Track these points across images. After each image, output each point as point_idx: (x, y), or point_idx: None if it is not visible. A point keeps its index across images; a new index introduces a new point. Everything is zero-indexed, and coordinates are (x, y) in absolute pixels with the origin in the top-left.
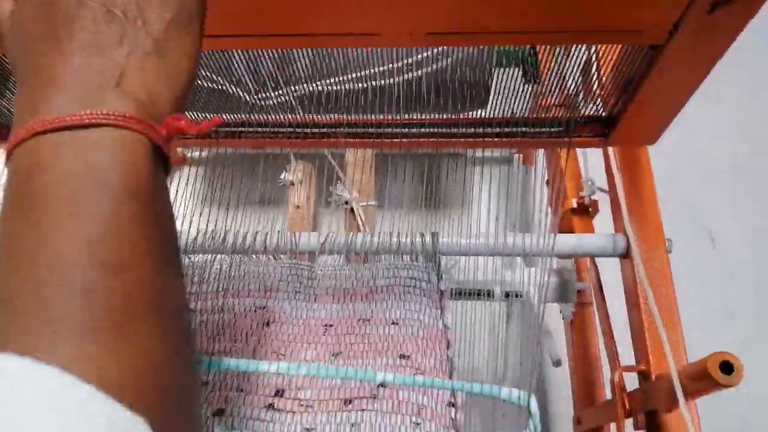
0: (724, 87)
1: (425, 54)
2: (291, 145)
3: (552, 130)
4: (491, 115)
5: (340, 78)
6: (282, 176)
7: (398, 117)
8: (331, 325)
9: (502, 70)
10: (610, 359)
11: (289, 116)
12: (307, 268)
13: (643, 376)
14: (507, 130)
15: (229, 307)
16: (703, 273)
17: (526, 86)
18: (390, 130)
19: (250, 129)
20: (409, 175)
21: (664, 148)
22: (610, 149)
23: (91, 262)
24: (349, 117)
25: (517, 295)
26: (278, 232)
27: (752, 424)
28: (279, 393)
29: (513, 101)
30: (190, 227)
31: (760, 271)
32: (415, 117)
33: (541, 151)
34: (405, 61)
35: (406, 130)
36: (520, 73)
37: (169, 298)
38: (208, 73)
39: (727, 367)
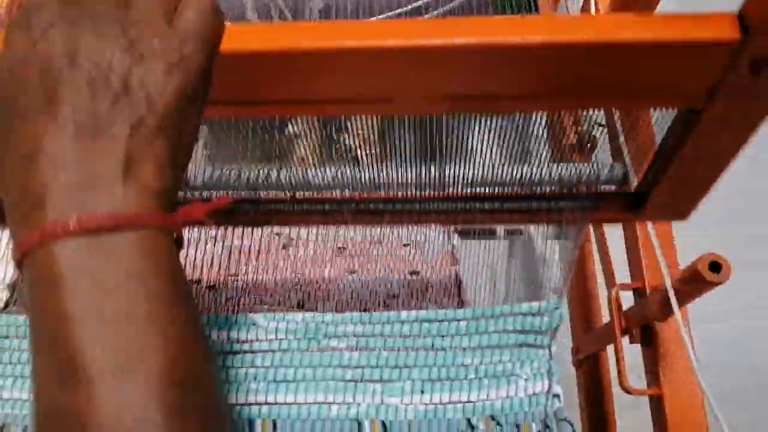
0: None
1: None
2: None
3: (575, 204)
4: (509, 191)
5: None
6: (287, 130)
7: (410, 193)
8: (343, 248)
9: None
10: (606, 281)
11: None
12: None
13: (639, 293)
14: (526, 205)
15: (248, 233)
16: None
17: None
18: (400, 206)
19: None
20: (409, 131)
21: None
22: None
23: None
24: (357, 194)
25: (519, 232)
26: (290, 167)
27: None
28: (300, 305)
29: None
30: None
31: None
32: (427, 193)
33: None
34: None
35: (418, 206)
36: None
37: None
38: None
39: (715, 267)
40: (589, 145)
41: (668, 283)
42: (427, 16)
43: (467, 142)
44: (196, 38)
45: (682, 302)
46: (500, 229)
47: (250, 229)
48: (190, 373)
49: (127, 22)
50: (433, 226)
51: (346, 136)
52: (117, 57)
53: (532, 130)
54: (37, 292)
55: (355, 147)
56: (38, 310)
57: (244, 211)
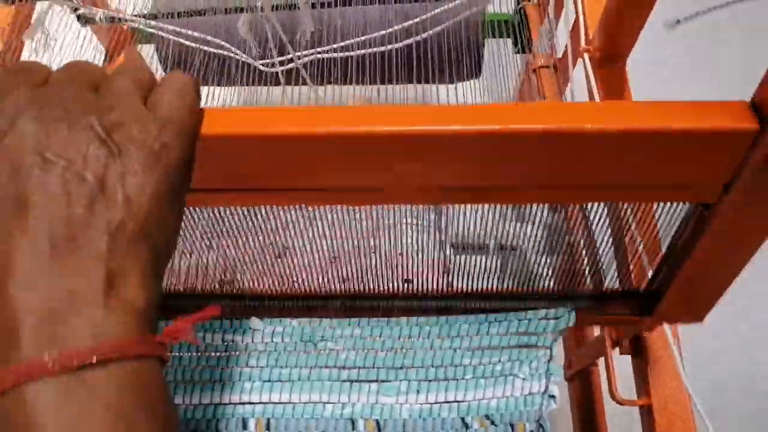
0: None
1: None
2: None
3: (580, 306)
4: (509, 288)
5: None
6: None
7: (399, 289)
8: (337, 257)
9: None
10: None
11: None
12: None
13: None
14: (524, 304)
15: (244, 242)
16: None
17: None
18: (389, 303)
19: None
20: None
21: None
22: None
23: None
24: (343, 289)
25: (511, 248)
26: None
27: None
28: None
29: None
30: None
31: None
32: (419, 290)
33: None
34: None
35: (408, 303)
36: (511, 42)
37: None
38: None
39: None
40: None
41: None
42: (418, 37)
43: None
44: (177, 122)
45: None
46: (492, 243)
47: (244, 239)
48: None
49: (102, 107)
50: (424, 237)
51: None
52: (92, 150)
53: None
54: None
55: None
56: None
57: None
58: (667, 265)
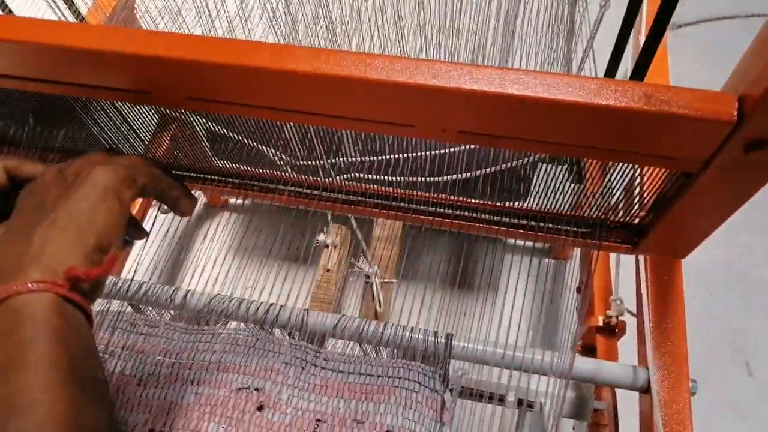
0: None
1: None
2: (321, 207)
3: (582, 230)
4: (526, 206)
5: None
6: (319, 237)
7: (431, 194)
8: (324, 421)
9: (546, 165)
10: None
11: (324, 180)
12: (312, 353)
13: None
14: (539, 224)
15: (228, 382)
16: (739, 404)
17: (569, 185)
18: (420, 206)
19: (283, 187)
20: (438, 253)
21: (701, 265)
22: (642, 273)
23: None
24: (383, 188)
25: (530, 405)
26: (291, 308)
27: None
28: None
29: (553, 197)
30: (213, 282)
31: None
32: (447, 197)
33: (577, 252)
34: (443, 151)
35: (436, 209)
36: (566, 169)
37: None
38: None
39: None
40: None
41: None
42: (466, 174)
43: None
44: (85, 182)
45: None
46: (511, 396)
47: (222, 376)
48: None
49: (67, 175)
50: (424, 411)
51: (366, 260)
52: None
53: None
54: None
55: (373, 274)
56: None
57: None
58: (656, 211)
